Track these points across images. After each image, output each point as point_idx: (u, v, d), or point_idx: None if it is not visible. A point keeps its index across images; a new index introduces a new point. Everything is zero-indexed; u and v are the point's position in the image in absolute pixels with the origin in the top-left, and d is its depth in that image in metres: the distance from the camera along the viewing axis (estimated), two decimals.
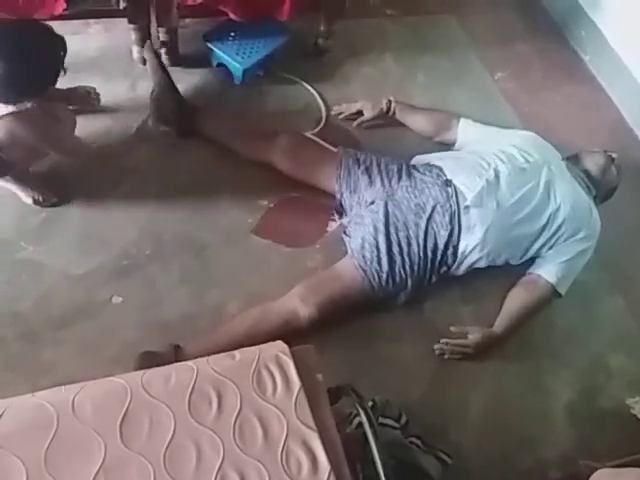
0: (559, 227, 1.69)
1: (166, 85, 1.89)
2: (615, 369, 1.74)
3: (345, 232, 1.75)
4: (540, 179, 1.69)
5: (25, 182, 1.68)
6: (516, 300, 1.72)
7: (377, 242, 1.62)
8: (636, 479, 1.11)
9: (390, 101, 2.06)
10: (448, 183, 1.67)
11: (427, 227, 1.63)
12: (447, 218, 1.63)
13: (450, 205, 1.63)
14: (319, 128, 2.04)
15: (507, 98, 2.34)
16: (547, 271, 1.72)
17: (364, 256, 1.61)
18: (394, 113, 2.06)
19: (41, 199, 1.70)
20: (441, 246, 1.64)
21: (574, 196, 1.72)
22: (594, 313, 1.84)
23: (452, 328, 1.68)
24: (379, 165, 1.76)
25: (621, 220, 1.99)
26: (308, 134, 1.97)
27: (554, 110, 2.33)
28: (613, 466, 1.28)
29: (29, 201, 1.69)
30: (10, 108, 1.43)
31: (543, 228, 1.69)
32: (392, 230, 1.63)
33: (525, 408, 1.62)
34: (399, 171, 1.75)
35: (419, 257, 1.63)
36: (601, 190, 1.85)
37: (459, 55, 2.46)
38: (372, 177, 1.74)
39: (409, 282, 1.64)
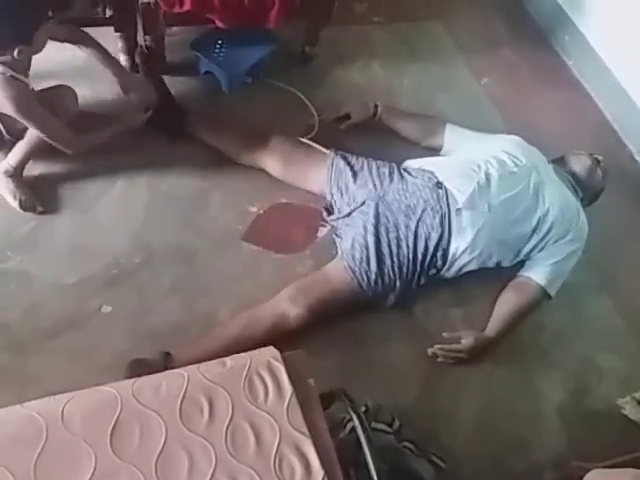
0: (549, 230, 1.70)
1: (158, 89, 1.92)
2: (605, 369, 1.75)
3: (336, 233, 1.76)
4: (529, 182, 1.71)
5: (15, 184, 1.68)
6: (507, 303, 1.73)
7: (366, 242, 1.62)
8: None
9: (377, 105, 2.06)
10: (439, 185, 1.68)
11: (417, 229, 1.64)
12: (437, 220, 1.63)
13: (440, 207, 1.64)
14: (313, 133, 2.04)
15: (493, 103, 2.36)
16: (537, 273, 1.74)
17: (353, 256, 1.61)
18: (381, 117, 2.07)
19: (29, 205, 1.68)
20: (431, 248, 1.64)
21: (562, 199, 1.74)
22: (583, 314, 1.85)
23: (445, 334, 1.68)
24: (370, 167, 1.77)
25: (608, 221, 2.01)
26: (301, 138, 1.96)
27: (540, 114, 2.36)
28: (605, 467, 1.28)
29: (15, 205, 1.68)
30: None
31: (533, 231, 1.70)
32: (382, 231, 1.64)
33: (517, 410, 1.63)
34: (390, 174, 1.76)
35: (408, 259, 1.63)
36: (587, 192, 1.87)
37: (446, 61, 2.48)
38: (363, 179, 1.75)
39: (397, 283, 1.64)
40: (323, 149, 1.87)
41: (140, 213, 1.77)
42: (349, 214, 1.74)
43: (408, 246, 1.63)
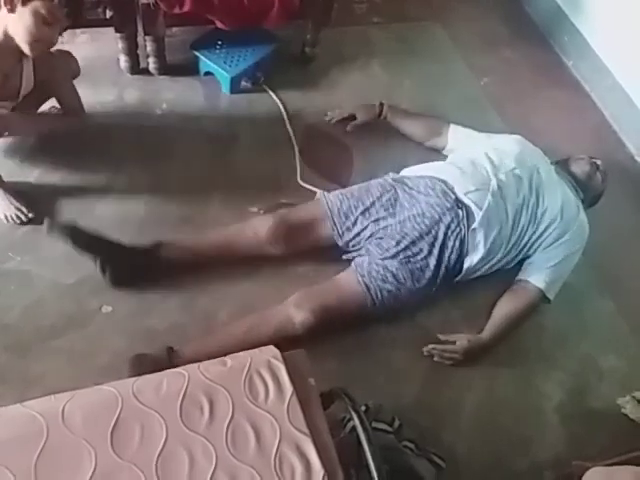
0: (547, 228, 1.70)
1: (106, 250, 1.58)
2: (605, 369, 1.75)
3: (350, 260, 1.70)
4: (532, 183, 1.71)
5: (5, 194, 1.66)
6: (504, 307, 1.72)
7: (386, 264, 1.60)
8: (629, 477, 1.12)
9: (382, 104, 2.07)
10: (459, 204, 1.63)
11: (440, 254, 1.62)
12: (458, 242, 1.62)
13: (460, 229, 1.62)
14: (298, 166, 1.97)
15: (493, 103, 2.36)
16: (535, 277, 1.73)
17: (369, 272, 1.59)
18: (386, 117, 2.07)
19: (14, 217, 1.66)
20: (450, 267, 1.64)
21: (562, 198, 1.74)
22: (584, 315, 1.85)
23: (440, 336, 1.68)
24: (373, 203, 1.66)
25: (608, 222, 2.01)
26: (283, 201, 1.85)
27: (539, 114, 2.36)
28: (606, 465, 1.28)
29: (1, 217, 1.66)
30: None
31: (535, 231, 1.71)
32: (404, 258, 1.61)
33: (517, 410, 1.63)
34: (396, 199, 1.67)
35: (428, 280, 1.62)
36: (587, 196, 1.87)
37: (445, 61, 2.49)
38: (374, 219, 1.65)
39: (412, 300, 1.64)
40: (313, 199, 1.77)
41: (140, 213, 1.77)
42: (365, 247, 1.68)
43: (430, 269, 1.61)
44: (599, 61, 2.45)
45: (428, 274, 1.61)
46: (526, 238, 1.71)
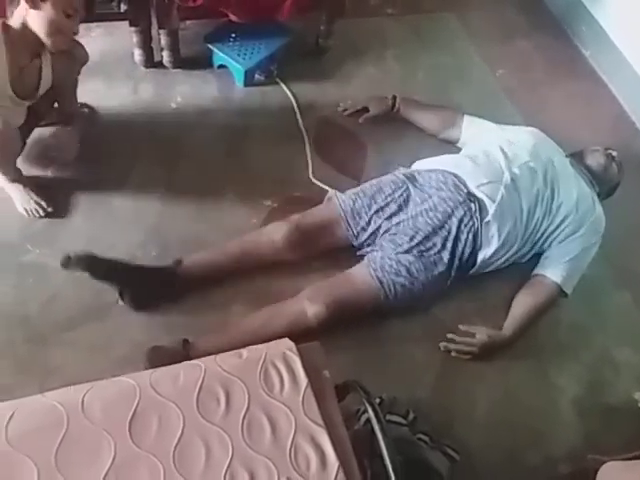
0: (562, 221, 1.69)
1: (125, 276, 1.55)
2: (622, 363, 1.73)
3: (365, 256, 1.69)
4: (546, 176, 1.69)
5: (25, 188, 1.68)
6: (523, 302, 1.71)
7: (398, 258, 1.59)
8: None
9: (395, 97, 2.05)
10: (471, 198, 1.63)
11: (453, 248, 1.61)
12: (471, 236, 1.61)
13: (473, 223, 1.61)
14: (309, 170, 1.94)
15: (509, 95, 2.34)
16: (552, 271, 1.72)
17: (382, 266, 1.58)
18: (399, 110, 2.05)
19: (34, 210, 1.68)
20: (464, 261, 1.64)
21: (577, 191, 1.72)
22: (600, 308, 1.83)
23: (461, 326, 1.68)
24: (386, 200, 1.66)
25: (625, 215, 1.99)
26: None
27: (556, 106, 2.33)
28: (621, 460, 1.28)
29: (21, 211, 1.68)
30: None
31: (549, 224, 1.70)
32: (417, 253, 1.60)
33: (532, 404, 1.62)
34: (408, 196, 1.66)
35: (441, 274, 1.61)
36: (603, 188, 1.85)
37: (460, 53, 2.47)
38: (387, 215, 1.66)
39: (426, 294, 1.63)
40: (325, 196, 1.80)
41: (156, 207, 1.79)
42: (379, 243, 1.67)
43: (443, 263, 1.61)
44: (617, 51, 2.41)
45: (441, 267, 1.61)
46: (541, 231, 1.70)
